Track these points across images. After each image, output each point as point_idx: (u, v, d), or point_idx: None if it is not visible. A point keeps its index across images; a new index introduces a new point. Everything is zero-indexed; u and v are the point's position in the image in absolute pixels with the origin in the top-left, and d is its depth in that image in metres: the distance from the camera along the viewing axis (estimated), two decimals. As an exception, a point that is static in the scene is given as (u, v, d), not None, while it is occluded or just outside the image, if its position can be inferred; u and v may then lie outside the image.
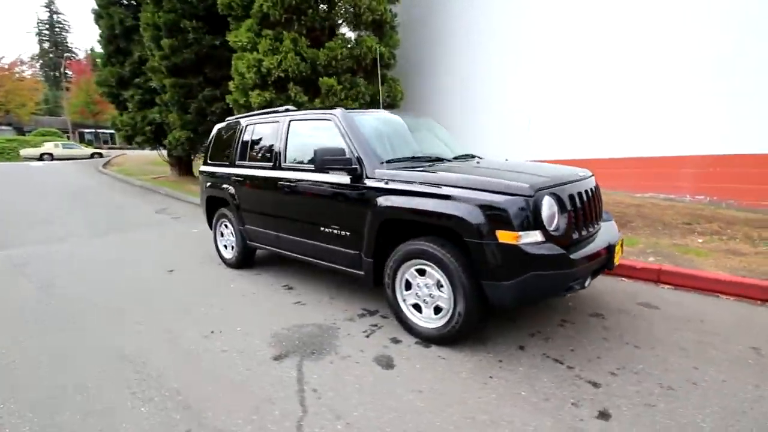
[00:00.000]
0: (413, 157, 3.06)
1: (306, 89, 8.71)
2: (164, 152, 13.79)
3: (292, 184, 3.40)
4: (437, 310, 2.58)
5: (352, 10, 8.49)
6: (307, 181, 3.27)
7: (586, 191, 2.62)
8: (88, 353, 2.65)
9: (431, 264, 2.51)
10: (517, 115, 8.42)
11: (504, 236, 2.18)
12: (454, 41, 9.80)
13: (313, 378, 2.28)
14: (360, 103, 8.87)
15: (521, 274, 2.19)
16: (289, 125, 3.60)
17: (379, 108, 4.84)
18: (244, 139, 4.10)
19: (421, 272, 2.62)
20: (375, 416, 1.94)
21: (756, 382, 2.16)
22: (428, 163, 3.01)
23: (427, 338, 2.62)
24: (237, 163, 4.12)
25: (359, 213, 2.87)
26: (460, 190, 2.35)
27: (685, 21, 5.91)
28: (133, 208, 8.93)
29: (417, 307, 2.70)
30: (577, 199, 2.48)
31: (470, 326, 2.44)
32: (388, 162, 2.90)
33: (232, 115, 11.16)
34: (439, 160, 3.17)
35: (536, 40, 7.96)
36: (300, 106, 8.62)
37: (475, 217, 2.24)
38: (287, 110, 3.86)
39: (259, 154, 3.89)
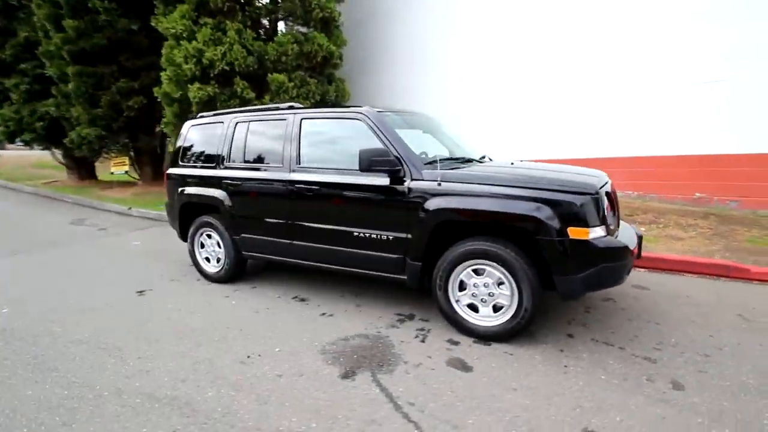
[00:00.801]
0: (450, 158, 3.07)
1: (252, 85, 8.12)
2: (59, 153, 11.65)
3: (314, 187, 3.15)
4: (496, 308, 2.64)
5: (300, 4, 8.12)
6: (338, 184, 3.06)
7: (613, 190, 2.91)
8: (104, 402, 2.14)
9: (492, 263, 2.55)
10: (461, 119, 8.89)
11: (575, 232, 2.32)
12: (396, 44, 9.96)
13: (400, 391, 2.16)
14: (311, 102, 8.56)
15: (592, 267, 2.35)
16: (300, 124, 3.33)
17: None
18: (236, 138, 3.68)
19: (477, 272, 2.65)
20: (493, 420, 1.92)
21: (759, 341, 2.63)
22: (464, 164, 3.05)
23: (486, 336, 2.65)
24: (228, 164, 3.68)
25: (406, 216, 2.79)
26: (528, 190, 2.43)
27: (612, 31, 6.86)
28: (38, 220, 7.39)
29: (471, 307, 2.72)
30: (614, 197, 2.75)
31: (534, 320, 2.54)
32: (430, 163, 2.87)
33: (156, 109, 9.88)
34: (469, 160, 3.23)
35: (478, 44, 8.47)
36: (247, 103, 8.00)
37: (548, 215, 2.34)
38: (291, 107, 3.56)
39: (261, 155, 3.53)
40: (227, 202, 3.65)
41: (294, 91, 8.11)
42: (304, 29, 8.84)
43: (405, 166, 2.80)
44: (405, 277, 2.92)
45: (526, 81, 7.77)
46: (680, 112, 6.29)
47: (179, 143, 4.15)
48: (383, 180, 2.86)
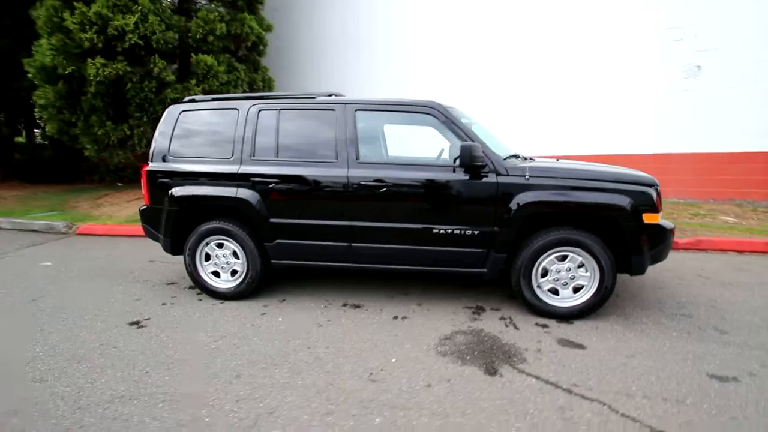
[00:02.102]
0: (515, 155, 3.23)
1: (171, 66, 6.87)
2: None
3: (386, 184, 2.94)
4: (575, 289, 2.93)
5: (228, -22, 7.19)
6: (417, 180, 2.92)
7: None
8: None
9: (577, 249, 2.83)
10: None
11: (649, 218, 2.76)
12: (328, 33, 9.58)
13: (553, 377, 2.26)
14: (241, 90, 7.69)
15: (657, 246, 2.83)
16: (355, 115, 3.06)
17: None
18: (263, 128, 3.15)
19: (558, 258, 2.90)
20: (646, 383, 2.17)
21: (730, 291, 3.52)
22: (521, 159, 3.25)
23: (566, 315, 2.93)
24: (255, 159, 3.13)
25: (494, 210, 2.86)
26: (611, 183, 2.78)
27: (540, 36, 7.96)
28: None
29: (551, 291, 2.96)
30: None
31: (610, 296, 2.92)
32: (505, 159, 3.00)
33: (12, 89, 7.42)
34: (516, 156, 3.44)
35: (414, 44, 8.81)
36: (166, 86, 6.74)
37: (631, 204, 2.73)
38: (332, 95, 3.22)
39: (304, 149, 3.11)
40: (257, 203, 3.10)
41: (224, 77, 7.16)
42: (222, 9, 7.83)
43: (490, 161, 2.87)
44: (485, 270, 3.00)
45: (476, 90, 8.34)
46: (592, 122, 7.72)
47: (165, 132, 3.32)
48: (466, 175, 2.88)
